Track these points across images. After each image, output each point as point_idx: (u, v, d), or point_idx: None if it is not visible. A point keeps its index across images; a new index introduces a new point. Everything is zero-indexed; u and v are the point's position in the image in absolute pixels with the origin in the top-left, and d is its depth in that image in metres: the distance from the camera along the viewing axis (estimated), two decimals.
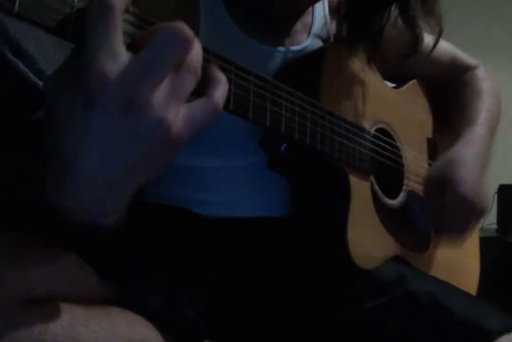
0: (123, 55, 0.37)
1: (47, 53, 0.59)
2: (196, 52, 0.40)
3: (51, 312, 0.44)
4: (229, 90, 0.49)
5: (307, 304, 0.69)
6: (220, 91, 0.42)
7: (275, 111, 0.56)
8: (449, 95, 0.98)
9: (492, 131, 0.90)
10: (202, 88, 0.42)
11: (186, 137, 0.40)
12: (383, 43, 0.75)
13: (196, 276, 0.65)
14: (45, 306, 0.44)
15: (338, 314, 0.67)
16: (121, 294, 0.54)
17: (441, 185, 0.79)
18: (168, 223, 0.69)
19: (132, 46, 0.40)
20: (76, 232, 0.45)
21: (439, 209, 0.79)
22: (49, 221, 0.46)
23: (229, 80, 0.50)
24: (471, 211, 0.79)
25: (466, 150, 0.83)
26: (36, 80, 0.60)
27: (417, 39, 0.74)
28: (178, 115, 0.39)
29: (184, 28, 0.38)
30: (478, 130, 0.87)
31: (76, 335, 0.44)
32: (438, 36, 0.77)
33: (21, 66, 0.60)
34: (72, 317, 0.45)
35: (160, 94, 0.38)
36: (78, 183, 0.39)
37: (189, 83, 0.40)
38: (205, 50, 0.47)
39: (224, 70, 0.49)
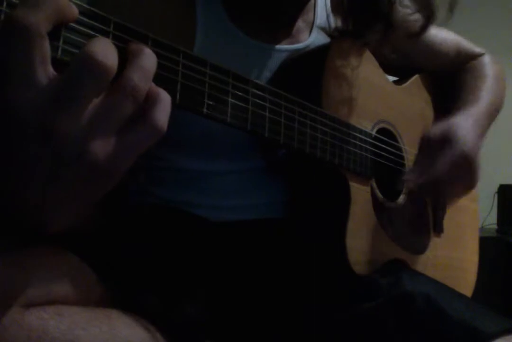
0: (41, 82, 0.34)
1: None
2: (141, 70, 0.37)
3: (49, 316, 0.44)
4: (226, 101, 0.48)
5: (305, 305, 0.69)
6: (160, 110, 0.38)
7: (274, 120, 0.55)
8: (453, 82, 0.97)
9: (493, 116, 0.89)
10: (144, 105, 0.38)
11: (123, 164, 0.37)
12: (394, 24, 0.73)
13: (196, 277, 0.65)
14: (44, 310, 0.44)
15: (335, 314, 0.67)
16: (120, 294, 0.54)
17: (440, 143, 0.78)
18: (169, 224, 0.69)
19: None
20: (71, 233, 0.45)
21: (433, 167, 0.76)
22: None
23: (226, 92, 0.48)
24: (469, 169, 0.78)
25: (467, 121, 0.82)
26: None
27: (429, 13, 0.73)
28: (107, 143, 0.36)
29: (98, 55, 0.34)
30: (480, 111, 0.86)
31: (75, 339, 0.44)
32: (452, 6, 0.74)
33: None
34: (71, 321, 0.45)
35: (83, 122, 0.35)
36: (11, 197, 0.38)
37: (123, 106, 0.36)
38: (201, 61, 0.46)
39: (221, 81, 0.48)
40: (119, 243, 0.61)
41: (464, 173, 0.78)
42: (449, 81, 0.97)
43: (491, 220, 2.34)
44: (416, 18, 0.75)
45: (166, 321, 0.54)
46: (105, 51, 0.35)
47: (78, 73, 0.34)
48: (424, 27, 0.76)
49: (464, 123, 0.81)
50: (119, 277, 0.55)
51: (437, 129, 0.80)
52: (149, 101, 0.38)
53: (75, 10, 0.36)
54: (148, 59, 0.38)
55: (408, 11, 0.75)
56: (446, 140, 0.77)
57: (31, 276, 0.44)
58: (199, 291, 0.64)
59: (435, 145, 0.78)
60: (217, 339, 0.64)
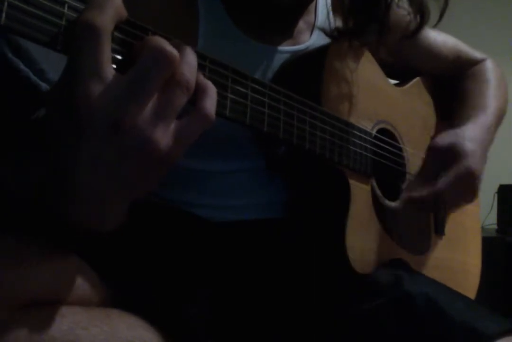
0: (109, 79, 0.36)
1: (49, 53, 0.59)
2: (189, 65, 0.40)
3: (50, 316, 0.44)
4: (225, 96, 0.48)
5: (306, 305, 0.69)
6: (209, 101, 0.41)
7: (273, 116, 0.55)
8: (455, 88, 0.97)
9: (499, 122, 0.91)
10: (193, 96, 0.41)
11: (179, 151, 0.40)
12: (389, 26, 0.73)
13: (197, 277, 0.65)
14: (44, 310, 0.44)
15: (335, 315, 0.67)
16: (121, 294, 0.53)
17: (447, 155, 0.79)
18: (169, 224, 0.69)
19: (123, 63, 0.39)
20: (74, 233, 0.45)
21: (438, 180, 0.77)
22: (48, 221, 0.46)
23: (225, 87, 0.49)
24: (472, 185, 0.79)
25: (475, 130, 0.83)
26: (37, 80, 0.60)
27: (422, 15, 0.74)
28: (167, 132, 0.38)
29: (165, 47, 0.38)
30: (489, 119, 0.87)
31: (76, 339, 0.44)
32: (444, 6, 0.74)
33: (22, 66, 0.60)
34: (71, 321, 0.45)
35: (146, 113, 0.37)
36: (72, 198, 0.39)
37: (179, 98, 0.39)
38: (201, 56, 0.46)
39: (220, 76, 0.48)
40: (120, 242, 0.61)
41: (466, 188, 0.79)
42: (452, 86, 0.97)
43: (491, 220, 2.33)
44: (411, 19, 0.76)
45: (167, 321, 0.54)
46: (167, 44, 0.38)
47: (148, 65, 0.37)
48: (418, 29, 0.76)
49: (472, 135, 0.82)
50: (119, 276, 0.55)
51: (445, 139, 0.81)
52: (199, 92, 0.41)
53: (125, 11, 0.39)
54: (191, 55, 0.41)
55: (403, 12, 0.76)
56: (453, 152, 0.79)
57: (31, 275, 0.44)
58: (200, 291, 0.64)
59: (442, 156, 0.79)
60: (218, 339, 0.64)
